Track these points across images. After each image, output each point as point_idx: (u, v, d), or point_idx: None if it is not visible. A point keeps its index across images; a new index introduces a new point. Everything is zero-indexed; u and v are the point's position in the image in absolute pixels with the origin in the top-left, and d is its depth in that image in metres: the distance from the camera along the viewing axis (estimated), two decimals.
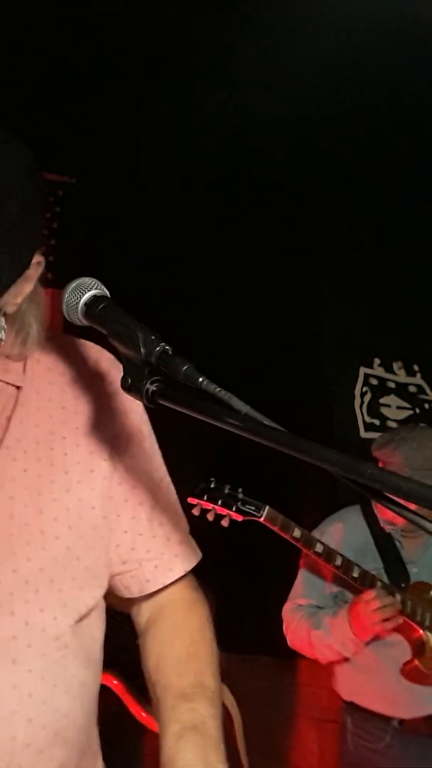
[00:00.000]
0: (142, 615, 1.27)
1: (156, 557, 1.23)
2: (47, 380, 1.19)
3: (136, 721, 2.60)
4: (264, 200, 4.10)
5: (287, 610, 2.56)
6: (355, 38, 3.20)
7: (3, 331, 1.12)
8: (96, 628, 1.18)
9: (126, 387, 0.93)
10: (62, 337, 1.27)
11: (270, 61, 3.35)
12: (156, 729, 2.50)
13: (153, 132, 3.86)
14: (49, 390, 1.18)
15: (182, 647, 1.19)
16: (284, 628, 2.54)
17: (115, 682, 2.55)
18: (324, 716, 3.30)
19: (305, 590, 2.56)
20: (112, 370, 1.23)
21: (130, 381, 0.92)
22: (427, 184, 3.94)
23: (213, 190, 4.18)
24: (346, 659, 2.44)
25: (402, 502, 0.75)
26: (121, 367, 1.11)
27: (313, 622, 2.43)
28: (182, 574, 1.25)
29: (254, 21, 3.25)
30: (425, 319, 4.10)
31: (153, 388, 0.90)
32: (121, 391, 1.19)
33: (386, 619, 2.27)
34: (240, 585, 3.63)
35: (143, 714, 2.59)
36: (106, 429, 1.19)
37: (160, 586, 1.23)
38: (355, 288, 4.11)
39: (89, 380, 1.21)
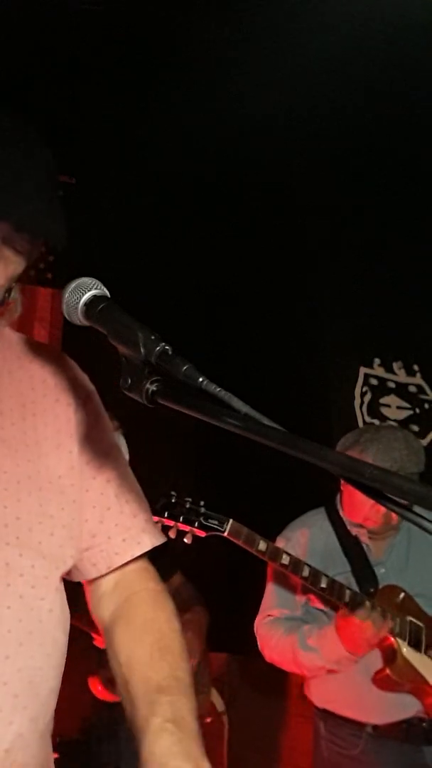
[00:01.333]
0: (106, 608, 1.29)
1: (124, 531, 1.28)
2: (18, 365, 1.27)
3: None
4: (264, 200, 4.09)
5: (261, 624, 2.51)
6: (358, 39, 3.20)
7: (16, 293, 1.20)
8: (66, 612, 1.21)
9: (126, 387, 0.93)
10: (26, 336, 1.37)
11: (272, 62, 3.35)
12: None
13: (153, 132, 3.86)
14: (19, 372, 1.27)
15: (153, 641, 1.21)
16: (259, 643, 2.49)
17: None
18: None
19: (277, 601, 2.52)
20: (71, 362, 1.35)
21: (130, 381, 0.92)
22: (427, 184, 3.94)
23: (213, 190, 4.18)
24: (331, 671, 2.41)
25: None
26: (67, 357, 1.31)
27: (299, 643, 2.38)
28: (150, 548, 1.30)
29: (256, 22, 3.25)
30: (425, 319, 4.09)
31: (153, 388, 0.91)
32: (80, 381, 1.32)
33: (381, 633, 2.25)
34: (240, 585, 3.62)
35: None
36: (72, 412, 1.28)
37: (129, 558, 1.28)
38: (355, 288, 4.10)
39: (53, 369, 1.30)
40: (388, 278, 4.10)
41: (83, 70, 3.62)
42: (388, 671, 2.33)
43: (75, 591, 1.30)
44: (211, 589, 3.35)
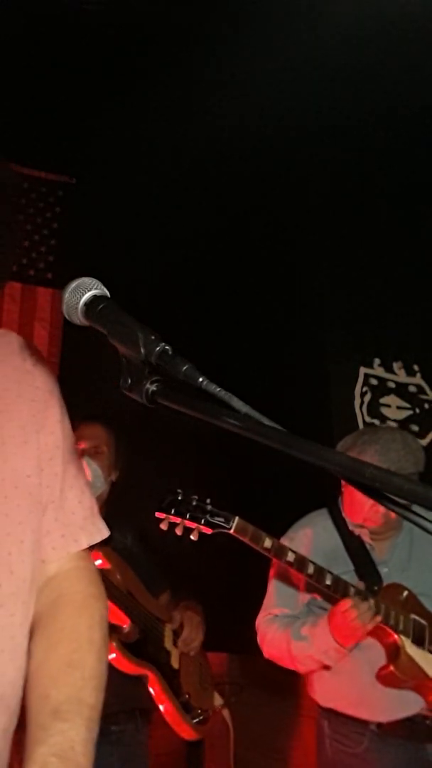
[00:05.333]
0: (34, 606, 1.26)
1: (63, 527, 1.27)
2: None
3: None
4: (264, 200, 4.10)
5: (261, 621, 2.53)
6: (357, 41, 3.20)
7: None
8: (32, 604, 1.19)
9: (126, 387, 0.93)
10: None
11: (273, 62, 3.35)
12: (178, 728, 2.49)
13: (153, 132, 3.86)
14: None
15: (65, 653, 1.15)
16: (259, 640, 2.51)
17: (149, 674, 2.59)
18: None
19: (278, 600, 2.53)
20: (27, 349, 1.32)
21: (130, 381, 0.92)
22: (426, 185, 3.94)
23: (212, 190, 4.18)
24: (326, 666, 2.42)
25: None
26: (28, 345, 1.28)
27: (293, 633, 2.40)
28: (87, 546, 1.29)
29: (258, 23, 3.25)
30: (425, 319, 4.09)
31: (153, 388, 0.90)
32: (35, 369, 1.30)
33: (367, 624, 2.26)
34: (240, 585, 3.62)
35: (169, 706, 2.63)
36: (32, 405, 1.26)
37: (64, 554, 1.26)
38: (354, 288, 4.11)
39: (11, 361, 1.29)
40: (388, 278, 4.10)
41: (83, 70, 3.62)
42: (391, 668, 2.34)
43: None
44: (212, 589, 3.35)
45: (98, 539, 1.32)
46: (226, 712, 2.99)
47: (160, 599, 2.84)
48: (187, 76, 3.56)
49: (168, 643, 2.72)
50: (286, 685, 3.61)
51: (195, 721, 2.69)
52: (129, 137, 3.97)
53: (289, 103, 3.52)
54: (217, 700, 2.89)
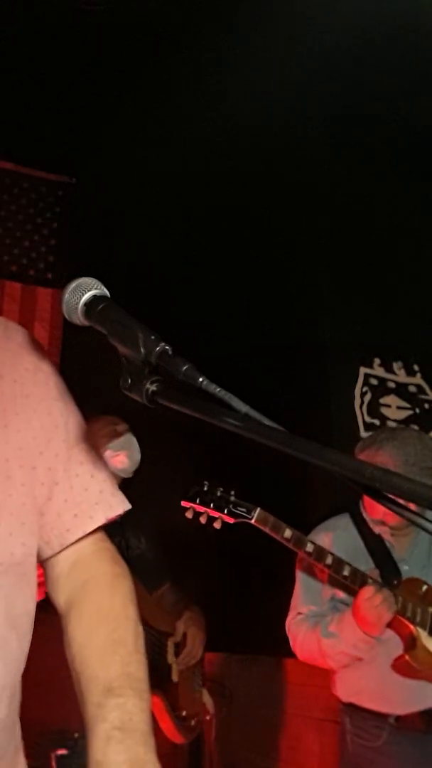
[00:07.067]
0: (62, 592, 1.25)
1: (74, 506, 1.24)
2: None
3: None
4: (263, 199, 4.10)
5: (291, 623, 2.58)
6: (354, 42, 3.20)
7: None
8: (21, 596, 1.17)
9: (126, 387, 0.93)
10: None
11: (275, 66, 3.35)
12: (174, 739, 2.55)
13: (153, 132, 3.87)
14: None
15: (106, 633, 1.17)
16: (291, 643, 2.56)
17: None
18: (324, 716, 3.30)
19: (305, 597, 2.59)
20: (21, 333, 1.31)
21: (130, 381, 0.92)
22: (426, 183, 3.94)
23: (213, 190, 4.18)
24: (358, 659, 2.45)
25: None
26: (25, 332, 1.28)
27: (322, 632, 2.45)
28: (103, 521, 1.26)
29: (259, 25, 3.25)
30: (425, 319, 4.09)
31: (153, 387, 0.90)
32: (30, 351, 1.28)
33: (389, 610, 2.31)
34: (239, 585, 3.62)
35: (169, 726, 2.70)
36: (19, 387, 1.24)
37: (81, 534, 1.24)
38: (354, 288, 4.10)
39: (4, 342, 1.27)
40: (389, 278, 4.10)
41: (84, 70, 3.62)
42: (407, 657, 2.39)
43: None
44: (211, 589, 3.35)
45: (119, 512, 1.28)
46: (206, 697, 3.01)
47: (159, 591, 2.86)
48: (187, 76, 3.56)
49: (170, 658, 2.76)
50: (286, 685, 3.61)
51: (185, 726, 2.77)
52: (129, 137, 3.97)
53: (289, 102, 3.52)
54: (206, 697, 2.94)
